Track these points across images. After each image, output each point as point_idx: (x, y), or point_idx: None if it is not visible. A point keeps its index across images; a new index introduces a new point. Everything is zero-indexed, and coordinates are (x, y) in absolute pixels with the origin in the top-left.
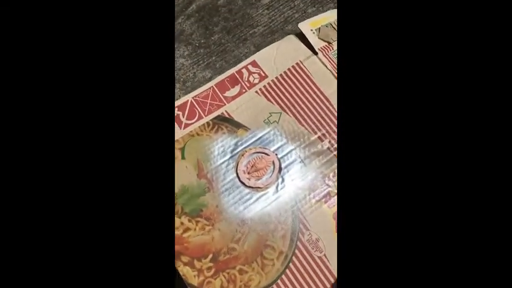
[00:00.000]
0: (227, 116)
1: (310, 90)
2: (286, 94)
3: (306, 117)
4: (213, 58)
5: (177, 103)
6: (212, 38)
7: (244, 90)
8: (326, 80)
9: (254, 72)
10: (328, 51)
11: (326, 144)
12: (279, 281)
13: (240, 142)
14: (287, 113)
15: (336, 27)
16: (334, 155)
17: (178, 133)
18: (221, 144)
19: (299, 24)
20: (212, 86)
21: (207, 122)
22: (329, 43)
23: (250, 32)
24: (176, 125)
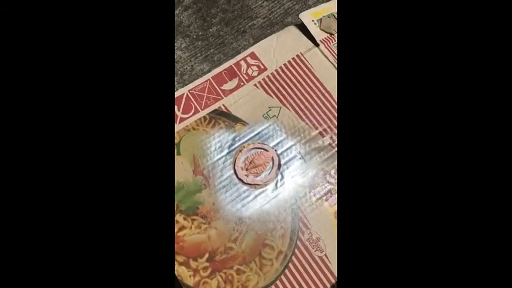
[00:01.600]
0: (224, 110)
1: (311, 84)
2: (286, 87)
3: (306, 111)
4: (211, 51)
5: None
6: (210, 30)
7: (242, 83)
8: (328, 73)
9: (253, 65)
10: (330, 43)
11: (327, 140)
12: (277, 282)
13: (238, 137)
14: (287, 107)
15: None
16: (336, 151)
17: None
18: (218, 140)
19: (300, 14)
20: (209, 79)
21: (204, 116)
22: (331, 34)
23: (249, 24)
24: None
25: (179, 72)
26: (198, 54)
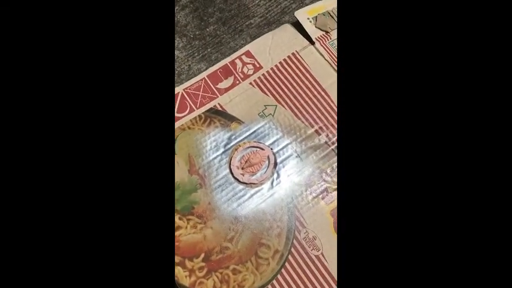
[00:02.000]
0: (220, 108)
1: (306, 82)
2: (282, 86)
3: (302, 110)
4: (209, 50)
5: None
6: (207, 30)
7: (237, 82)
8: (323, 71)
9: (248, 63)
10: (325, 41)
11: (323, 138)
12: (274, 281)
13: (234, 136)
14: (283, 106)
15: (334, 16)
16: (332, 149)
17: None
18: (214, 139)
19: (295, 12)
20: (204, 78)
21: (199, 115)
22: (327, 32)
23: (247, 23)
24: None
25: (176, 71)
26: (195, 54)
